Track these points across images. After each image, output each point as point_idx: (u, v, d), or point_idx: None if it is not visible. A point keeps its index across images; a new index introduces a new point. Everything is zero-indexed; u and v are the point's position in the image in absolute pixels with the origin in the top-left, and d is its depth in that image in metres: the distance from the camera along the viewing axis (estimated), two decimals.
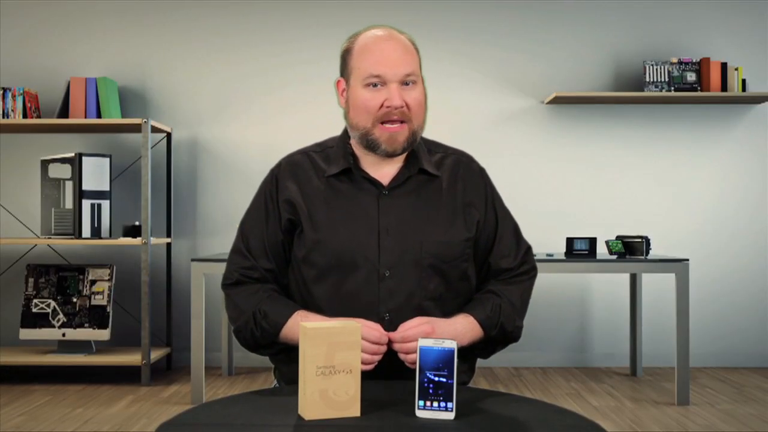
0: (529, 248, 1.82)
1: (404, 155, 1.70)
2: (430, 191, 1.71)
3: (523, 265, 1.78)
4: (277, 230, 1.71)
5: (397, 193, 1.69)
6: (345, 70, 1.69)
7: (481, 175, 1.79)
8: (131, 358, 4.15)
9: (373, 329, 1.53)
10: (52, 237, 4.26)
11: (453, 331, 1.60)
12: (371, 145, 1.65)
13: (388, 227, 1.66)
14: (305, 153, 1.76)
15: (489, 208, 1.76)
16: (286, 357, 1.69)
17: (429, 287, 1.66)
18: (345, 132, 1.74)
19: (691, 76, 4.49)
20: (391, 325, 1.61)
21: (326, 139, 1.79)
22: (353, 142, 1.71)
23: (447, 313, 1.68)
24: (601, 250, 4.20)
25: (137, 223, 4.34)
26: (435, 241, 1.66)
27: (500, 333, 1.69)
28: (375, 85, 1.62)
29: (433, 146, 1.78)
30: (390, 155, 1.65)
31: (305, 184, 1.71)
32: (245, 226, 1.76)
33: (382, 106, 1.62)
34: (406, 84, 1.63)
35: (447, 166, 1.75)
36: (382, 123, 1.63)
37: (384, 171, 1.69)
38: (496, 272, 1.76)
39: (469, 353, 1.72)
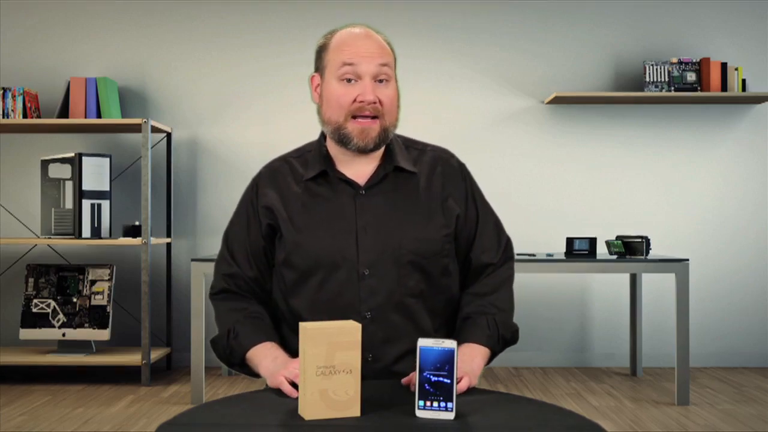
0: (508, 240, 1.82)
1: (380, 154, 1.71)
2: (407, 188, 1.71)
3: (506, 262, 1.79)
4: (258, 237, 1.73)
5: (373, 192, 1.69)
6: (320, 66, 1.70)
7: (460, 170, 1.78)
8: (131, 358, 4.15)
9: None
10: (52, 237, 4.26)
11: (477, 369, 1.61)
12: (343, 140, 1.65)
13: (366, 226, 1.66)
14: (284, 159, 1.78)
15: (470, 203, 1.76)
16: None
17: (409, 284, 1.66)
18: (322, 135, 1.75)
19: (691, 76, 4.49)
20: (372, 324, 1.62)
21: (305, 144, 1.80)
22: (329, 143, 1.72)
23: (431, 309, 1.69)
24: (601, 250, 4.20)
25: (137, 223, 4.34)
26: (413, 238, 1.66)
27: (503, 345, 1.71)
28: (349, 81, 1.63)
29: (411, 143, 1.78)
30: (362, 150, 1.65)
31: (284, 190, 1.72)
32: (229, 235, 1.78)
33: (354, 101, 1.62)
34: (380, 81, 1.63)
35: (425, 163, 1.75)
36: (354, 117, 1.63)
37: (360, 171, 1.70)
38: (478, 267, 1.76)
39: None
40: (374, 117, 1.63)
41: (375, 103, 1.62)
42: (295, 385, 1.47)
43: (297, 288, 1.68)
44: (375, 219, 1.67)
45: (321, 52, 1.69)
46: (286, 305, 1.71)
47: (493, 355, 1.70)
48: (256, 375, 1.68)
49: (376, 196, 1.69)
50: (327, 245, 1.65)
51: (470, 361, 1.61)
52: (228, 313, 1.72)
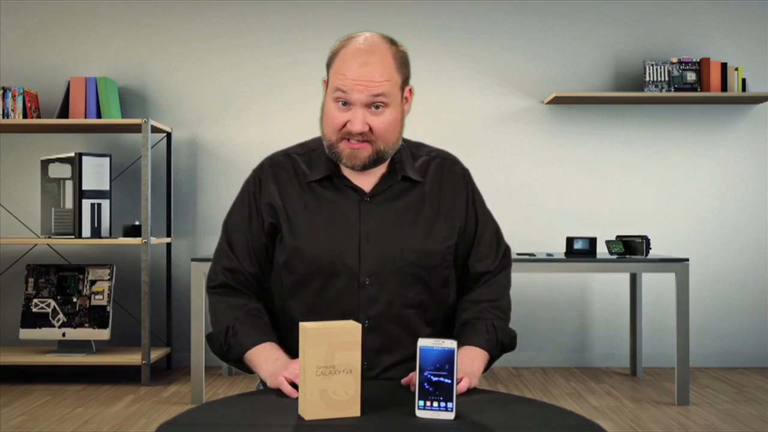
0: (507, 248, 1.81)
1: (387, 162, 1.68)
2: (412, 197, 1.69)
3: (503, 270, 1.78)
4: (260, 233, 1.70)
5: (378, 200, 1.67)
6: (328, 74, 1.67)
7: (463, 177, 1.77)
8: (131, 358, 4.15)
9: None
10: (52, 237, 4.26)
11: (477, 370, 1.61)
12: (335, 158, 1.64)
13: (369, 234, 1.64)
14: (288, 155, 1.74)
15: (470, 211, 1.75)
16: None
17: (409, 295, 1.65)
18: None
19: (691, 76, 4.49)
20: (371, 332, 1.61)
21: (309, 140, 1.77)
22: None
23: (429, 320, 1.68)
24: (601, 250, 4.20)
25: (137, 223, 4.34)
26: (415, 249, 1.65)
27: (501, 350, 1.71)
28: (344, 103, 1.59)
29: (416, 149, 1.76)
30: (352, 169, 1.63)
31: (286, 188, 1.69)
32: (229, 227, 1.75)
33: (345, 125, 1.60)
34: (376, 107, 1.59)
35: (431, 172, 1.73)
36: (344, 139, 1.61)
37: (366, 178, 1.68)
38: (475, 275, 1.75)
39: None
40: (365, 141, 1.61)
41: (364, 131, 1.59)
42: (295, 386, 1.46)
43: (295, 292, 1.67)
44: (378, 227, 1.65)
45: (331, 60, 1.65)
46: (284, 307, 1.70)
47: (491, 361, 1.69)
48: (252, 372, 1.67)
49: (380, 205, 1.67)
50: (328, 251, 1.64)
51: (470, 363, 1.61)
52: (227, 310, 1.70)
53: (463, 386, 1.48)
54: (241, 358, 1.66)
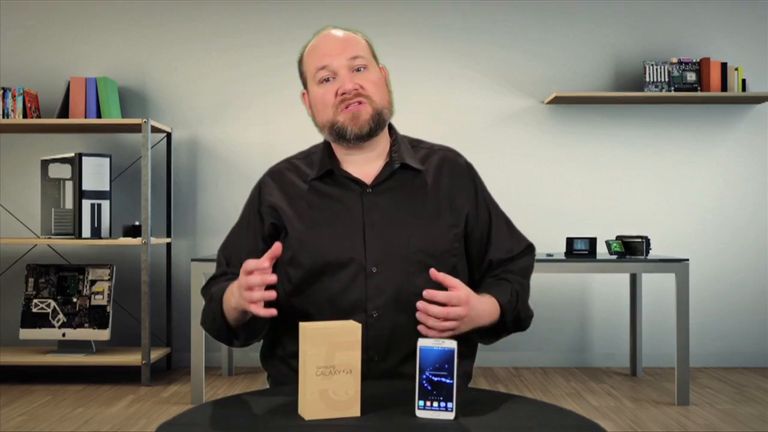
0: (524, 237, 1.80)
1: (385, 152, 1.71)
2: (414, 187, 1.70)
3: (527, 254, 1.78)
4: (257, 238, 1.72)
5: (380, 190, 1.69)
6: (303, 80, 1.73)
7: (468, 169, 1.78)
8: (131, 358, 4.15)
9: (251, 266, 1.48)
10: (52, 237, 4.26)
11: (483, 311, 1.59)
12: (340, 133, 1.65)
13: (373, 224, 1.65)
14: (288, 161, 1.78)
15: (480, 203, 1.75)
16: (262, 343, 1.67)
17: (417, 283, 1.64)
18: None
19: (691, 76, 4.49)
20: (379, 323, 1.61)
21: (309, 147, 1.80)
22: (335, 144, 1.72)
23: None
24: (601, 250, 4.20)
25: (137, 223, 4.34)
26: (421, 237, 1.65)
27: (515, 319, 1.69)
28: (328, 80, 1.65)
29: (417, 143, 1.79)
30: (359, 137, 1.64)
31: (289, 189, 1.72)
32: (228, 240, 1.79)
33: (336, 94, 1.64)
34: (358, 70, 1.66)
35: (432, 162, 1.74)
36: (342, 110, 1.65)
37: (367, 170, 1.70)
38: (498, 262, 1.75)
39: (474, 338, 1.69)
40: (361, 103, 1.64)
41: (356, 89, 1.64)
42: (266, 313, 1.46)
43: (303, 287, 1.67)
44: (382, 217, 1.66)
45: (299, 67, 1.73)
46: (290, 305, 1.69)
47: (503, 327, 1.66)
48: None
49: (383, 195, 1.68)
50: (334, 244, 1.64)
51: (482, 300, 1.58)
52: (207, 292, 1.72)
53: (452, 283, 1.50)
54: (224, 317, 1.64)
